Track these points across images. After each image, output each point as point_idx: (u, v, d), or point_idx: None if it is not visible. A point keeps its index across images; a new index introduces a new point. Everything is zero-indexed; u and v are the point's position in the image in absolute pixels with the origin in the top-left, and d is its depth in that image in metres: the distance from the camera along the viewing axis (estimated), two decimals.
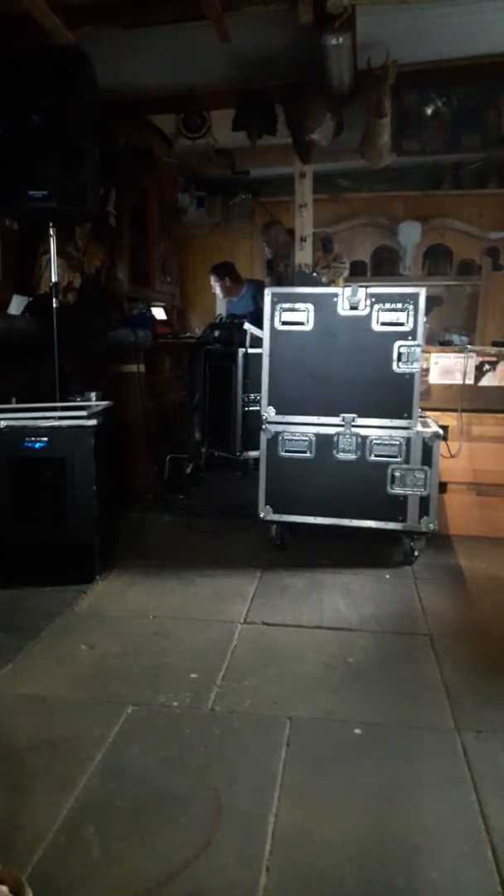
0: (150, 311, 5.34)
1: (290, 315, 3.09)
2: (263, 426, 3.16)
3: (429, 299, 3.07)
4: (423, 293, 2.97)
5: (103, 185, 4.27)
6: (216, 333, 4.50)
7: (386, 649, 2.34)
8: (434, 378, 3.56)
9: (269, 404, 3.16)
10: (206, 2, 3.14)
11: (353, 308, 3.02)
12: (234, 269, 5.56)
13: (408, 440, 3.02)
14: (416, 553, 3.11)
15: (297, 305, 3.08)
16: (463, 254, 6.56)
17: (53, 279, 3.30)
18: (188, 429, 4.86)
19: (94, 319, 3.98)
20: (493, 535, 3.47)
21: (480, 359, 3.53)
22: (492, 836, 1.47)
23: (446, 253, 6.58)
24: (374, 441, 3.05)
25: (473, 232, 6.46)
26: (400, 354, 2.99)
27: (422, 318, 2.97)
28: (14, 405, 3.00)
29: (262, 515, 3.20)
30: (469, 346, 3.64)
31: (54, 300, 3.26)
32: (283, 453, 3.14)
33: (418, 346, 2.98)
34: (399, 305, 2.98)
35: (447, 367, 3.54)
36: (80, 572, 2.91)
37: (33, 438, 2.85)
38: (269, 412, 3.16)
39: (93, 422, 2.89)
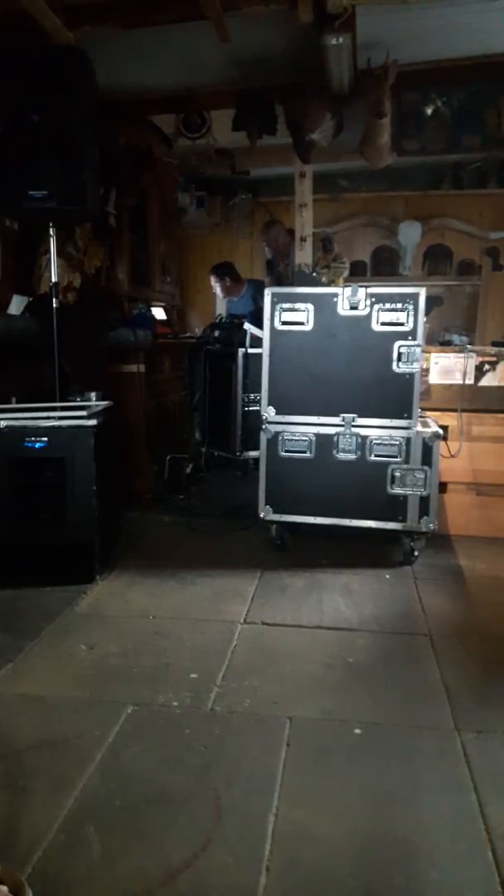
0: (150, 311, 5.35)
1: (290, 315, 3.09)
2: (263, 426, 3.16)
3: (429, 299, 3.07)
4: (423, 293, 2.97)
5: (103, 185, 4.27)
6: (216, 333, 4.50)
7: (386, 649, 2.34)
8: (434, 378, 3.56)
9: (269, 404, 3.16)
10: (206, 2, 3.14)
11: (353, 308, 3.02)
12: (234, 269, 5.56)
13: (408, 440, 3.02)
14: (416, 553, 3.11)
15: (297, 305, 3.08)
16: (463, 254, 6.56)
17: (53, 279, 3.30)
18: (188, 429, 4.86)
19: (94, 319, 3.98)
20: (493, 535, 3.47)
21: (480, 359, 3.53)
22: (492, 836, 1.47)
23: (446, 253, 6.59)
24: (374, 441, 3.05)
25: (473, 232, 6.47)
26: (400, 354, 2.99)
27: (422, 318, 2.97)
28: (14, 405, 3.00)
29: (262, 515, 3.20)
30: (469, 346, 3.64)
31: (54, 300, 3.26)
32: (283, 453, 3.14)
33: (418, 346, 2.98)
34: (399, 305, 2.98)
35: (447, 367, 3.54)
36: (80, 572, 2.92)
37: (33, 438, 2.85)
38: (269, 412, 3.16)
39: (93, 422, 2.89)
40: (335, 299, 3.04)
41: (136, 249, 5.20)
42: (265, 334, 3.14)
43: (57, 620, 2.55)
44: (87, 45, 3.16)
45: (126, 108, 4.55)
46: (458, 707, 1.97)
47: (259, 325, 3.35)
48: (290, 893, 1.34)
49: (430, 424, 3.15)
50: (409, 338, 2.98)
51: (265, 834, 1.47)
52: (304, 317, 3.08)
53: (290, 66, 4.11)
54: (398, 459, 3.04)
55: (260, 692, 2.05)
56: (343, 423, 3.08)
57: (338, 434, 3.08)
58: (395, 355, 2.99)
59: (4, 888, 1.23)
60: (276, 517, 3.19)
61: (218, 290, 5.55)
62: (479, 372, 3.53)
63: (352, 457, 3.08)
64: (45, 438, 2.85)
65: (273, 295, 3.11)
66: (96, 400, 3.18)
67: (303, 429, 3.12)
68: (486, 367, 3.52)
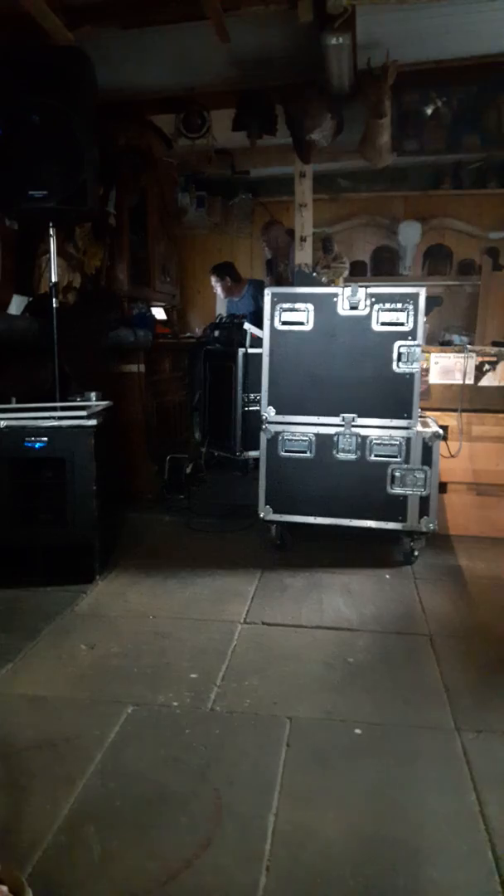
0: (150, 311, 5.34)
1: (290, 315, 3.09)
2: (263, 426, 3.16)
3: (429, 299, 3.07)
4: (423, 293, 2.97)
5: (103, 185, 4.27)
6: (216, 333, 4.50)
7: (386, 649, 2.34)
8: (434, 378, 3.56)
9: (269, 404, 3.16)
10: (207, 2, 3.14)
11: (353, 308, 3.02)
12: (235, 269, 5.56)
13: (408, 440, 3.02)
14: (416, 553, 3.11)
15: (297, 305, 3.08)
16: (463, 254, 6.55)
17: (53, 279, 3.30)
18: (188, 429, 4.86)
19: (94, 319, 3.99)
20: (493, 535, 3.47)
21: (480, 359, 3.53)
22: (492, 836, 1.47)
23: (446, 253, 6.58)
24: (374, 441, 3.05)
25: (473, 232, 6.46)
26: (400, 354, 2.99)
27: (422, 318, 2.97)
28: (14, 405, 3.00)
29: (262, 515, 3.20)
30: (469, 346, 3.63)
31: (54, 300, 3.26)
32: (283, 453, 3.14)
33: (418, 346, 2.98)
34: (399, 305, 2.98)
35: (447, 367, 3.54)
36: (80, 572, 2.92)
37: (33, 438, 2.85)
38: (269, 412, 3.16)
39: (93, 422, 2.89)
40: (335, 299, 3.04)
41: (136, 249, 5.21)
42: (265, 334, 3.14)
43: (57, 620, 2.55)
44: (87, 45, 3.16)
45: (126, 108, 4.55)
46: (458, 707, 1.97)
47: (259, 324, 3.35)
48: (290, 893, 1.34)
49: (430, 424, 3.15)
50: (409, 338, 2.98)
51: (265, 834, 1.47)
52: (304, 317, 3.08)
53: (290, 66, 4.11)
54: (398, 459, 3.04)
55: (260, 692, 2.05)
56: (343, 423, 3.08)
57: (338, 434, 3.08)
58: (395, 355, 2.99)
59: (4, 888, 1.23)
60: (276, 517, 3.19)
61: (218, 290, 5.55)
62: (479, 372, 3.53)
63: (352, 457, 3.08)
64: (45, 438, 2.85)
65: (273, 295, 3.11)
66: (96, 400, 3.18)
67: (303, 429, 3.12)
68: (486, 367, 3.52)
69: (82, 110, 2.99)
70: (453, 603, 2.72)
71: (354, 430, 3.07)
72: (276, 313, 3.10)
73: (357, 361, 3.04)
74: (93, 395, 3.21)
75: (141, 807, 1.56)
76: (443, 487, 3.44)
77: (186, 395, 5.12)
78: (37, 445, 2.85)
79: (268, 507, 3.18)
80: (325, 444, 3.10)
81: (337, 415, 3.08)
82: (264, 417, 3.17)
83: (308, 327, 3.08)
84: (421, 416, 3.16)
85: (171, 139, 4.89)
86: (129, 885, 1.35)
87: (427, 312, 3.11)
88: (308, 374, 3.11)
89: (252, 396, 4.05)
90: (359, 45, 3.62)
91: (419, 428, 3.03)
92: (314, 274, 4.87)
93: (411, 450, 3.02)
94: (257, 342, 3.63)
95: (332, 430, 3.09)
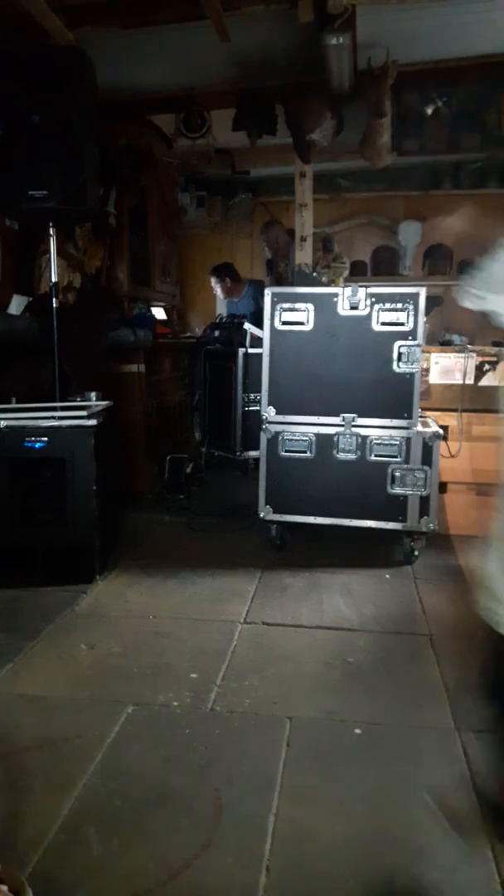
0: (150, 311, 5.34)
1: (290, 315, 3.09)
2: (263, 426, 3.16)
3: (429, 299, 3.07)
4: (423, 293, 2.97)
5: (103, 185, 4.26)
6: (216, 333, 4.50)
7: (386, 649, 2.34)
8: (434, 378, 3.56)
9: (269, 404, 3.16)
10: (207, 2, 3.14)
11: (354, 308, 3.02)
12: (234, 269, 5.55)
13: (408, 440, 3.02)
14: (416, 553, 3.11)
15: (298, 305, 3.08)
16: (463, 254, 6.55)
17: (53, 279, 3.29)
18: (188, 429, 4.86)
19: (94, 319, 3.98)
20: None
21: (480, 359, 3.53)
22: (492, 836, 1.47)
23: (446, 253, 6.57)
24: (375, 441, 3.05)
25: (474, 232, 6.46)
26: (400, 354, 2.99)
27: (422, 317, 2.97)
28: (14, 405, 3.00)
29: (262, 515, 3.20)
30: (469, 346, 3.63)
31: (54, 300, 3.26)
32: (283, 453, 3.14)
33: (418, 345, 2.98)
34: (399, 305, 2.98)
35: (447, 367, 3.54)
36: (80, 572, 2.92)
37: (33, 438, 2.85)
38: (269, 412, 3.15)
39: (93, 422, 2.89)
40: (335, 299, 3.04)
41: (136, 249, 5.20)
42: (265, 334, 3.14)
43: (57, 620, 2.55)
44: (87, 45, 3.15)
45: (126, 108, 4.54)
46: (458, 707, 1.97)
47: (259, 324, 3.34)
48: (290, 893, 1.34)
49: (430, 424, 3.15)
50: (410, 338, 2.98)
51: (265, 834, 1.47)
52: (304, 317, 3.08)
53: (290, 66, 4.11)
54: (398, 459, 3.03)
55: (260, 692, 2.05)
56: (343, 422, 3.08)
57: (338, 434, 3.08)
58: (395, 355, 2.99)
59: (4, 888, 1.23)
60: (276, 517, 3.19)
61: (218, 291, 5.55)
62: (479, 372, 3.52)
63: (352, 457, 3.08)
64: (45, 438, 2.85)
65: (273, 295, 3.11)
66: (96, 400, 3.18)
67: (303, 429, 3.12)
68: (486, 367, 3.52)
69: (82, 110, 2.98)
70: (453, 603, 2.72)
71: (355, 430, 3.07)
72: (277, 313, 3.10)
73: (357, 361, 3.04)
74: (93, 395, 3.21)
75: (141, 807, 1.56)
76: (443, 487, 3.44)
77: (186, 395, 5.12)
78: (37, 445, 2.85)
79: (268, 507, 3.18)
80: (325, 444, 3.10)
81: (337, 415, 3.08)
82: (264, 417, 3.17)
83: (308, 327, 3.08)
84: (421, 416, 3.16)
85: (171, 139, 4.89)
86: (129, 885, 1.35)
87: (427, 312, 3.10)
88: (308, 374, 3.11)
89: (252, 396, 4.05)
90: (359, 45, 3.62)
91: (419, 428, 3.03)
92: (314, 274, 4.87)
93: (411, 450, 3.02)
94: (257, 342, 3.63)
95: (332, 430, 3.09)
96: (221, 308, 5.70)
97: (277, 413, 3.15)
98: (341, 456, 3.08)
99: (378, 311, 3.00)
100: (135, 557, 3.23)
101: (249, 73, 4.23)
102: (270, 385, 3.15)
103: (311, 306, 3.06)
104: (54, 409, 3.00)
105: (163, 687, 2.07)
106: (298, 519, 3.17)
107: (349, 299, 3.02)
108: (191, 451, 4.60)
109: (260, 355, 3.20)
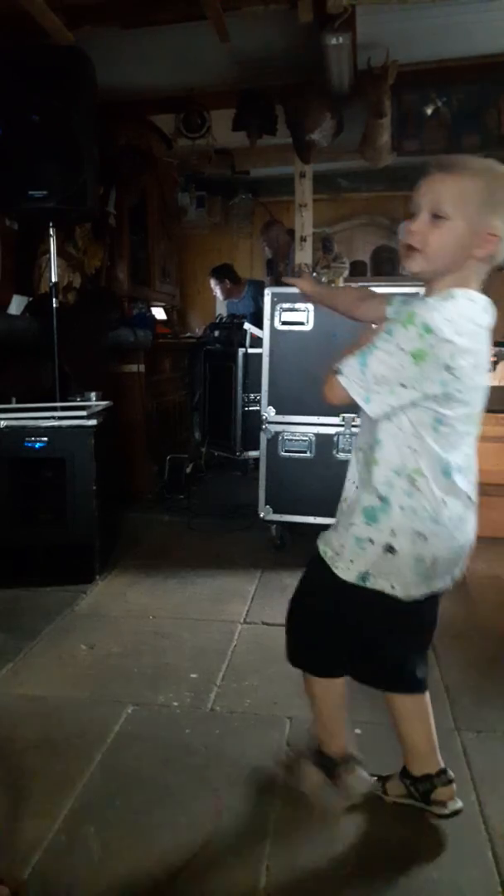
0: (150, 311, 5.34)
1: (290, 315, 3.09)
2: (263, 426, 3.16)
3: None
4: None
5: (103, 185, 4.26)
6: (216, 333, 4.50)
7: None
8: None
9: (269, 404, 3.16)
10: (207, 2, 3.14)
11: None
12: (234, 270, 5.55)
13: None
14: None
15: (297, 305, 3.08)
16: None
17: (53, 279, 3.30)
18: (188, 429, 4.86)
19: (94, 319, 3.98)
20: (493, 535, 3.46)
21: None
22: (492, 837, 1.47)
23: None
24: None
25: None
26: None
27: None
28: (14, 405, 3.00)
29: (262, 515, 3.20)
30: None
31: (54, 300, 3.26)
32: (282, 453, 3.14)
33: None
34: None
35: None
36: (80, 572, 2.91)
37: (33, 438, 2.85)
38: (269, 412, 3.15)
39: (93, 422, 2.89)
40: None
41: (136, 249, 5.20)
42: (265, 334, 3.14)
43: (57, 620, 2.55)
44: (87, 45, 3.15)
45: (126, 108, 4.54)
46: (458, 707, 1.97)
47: (259, 325, 3.34)
48: (290, 893, 1.33)
49: None
50: None
51: (265, 834, 1.47)
52: (304, 317, 3.08)
53: (290, 66, 4.11)
54: None
55: (260, 692, 2.05)
56: (343, 422, 3.08)
57: (338, 434, 3.08)
58: None
59: (4, 888, 1.23)
60: (276, 517, 3.19)
61: (218, 292, 5.55)
62: None
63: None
64: (45, 438, 2.85)
65: (273, 295, 3.11)
66: (96, 400, 3.18)
67: (303, 429, 3.12)
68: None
69: (82, 110, 2.98)
70: (453, 603, 2.72)
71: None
72: (276, 313, 3.10)
73: None
74: (93, 395, 3.21)
75: (141, 807, 1.56)
76: None
77: (186, 395, 5.12)
78: (37, 445, 2.85)
79: (268, 507, 3.18)
80: (325, 444, 3.10)
81: (337, 415, 3.08)
82: (264, 417, 3.17)
83: (308, 327, 3.08)
84: None
85: (171, 139, 4.89)
86: (129, 885, 1.34)
87: None
88: (308, 374, 3.10)
89: (252, 396, 4.05)
90: (359, 45, 3.62)
91: None
92: (314, 274, 4.87)
93: None
94: (257, 342, 3.63)
95: (332, 430, 3.09)
96: (221, 308, 5.70)
97: (277, 413, 3.15)
98: (341, 456, 3.08)
99: None
100: (135, 557, 3.23)
101: (249, 73, 4.23)
102: (270, 385, 3.15)
103: (310, 306, 3.06)
104: (54, 409, 3.00)
105: (163, 687, 2.07)
106: (298, 519, 3.17)
107: None
108: (191, 451, 4.60)
109: (260, 355, 3.20)
